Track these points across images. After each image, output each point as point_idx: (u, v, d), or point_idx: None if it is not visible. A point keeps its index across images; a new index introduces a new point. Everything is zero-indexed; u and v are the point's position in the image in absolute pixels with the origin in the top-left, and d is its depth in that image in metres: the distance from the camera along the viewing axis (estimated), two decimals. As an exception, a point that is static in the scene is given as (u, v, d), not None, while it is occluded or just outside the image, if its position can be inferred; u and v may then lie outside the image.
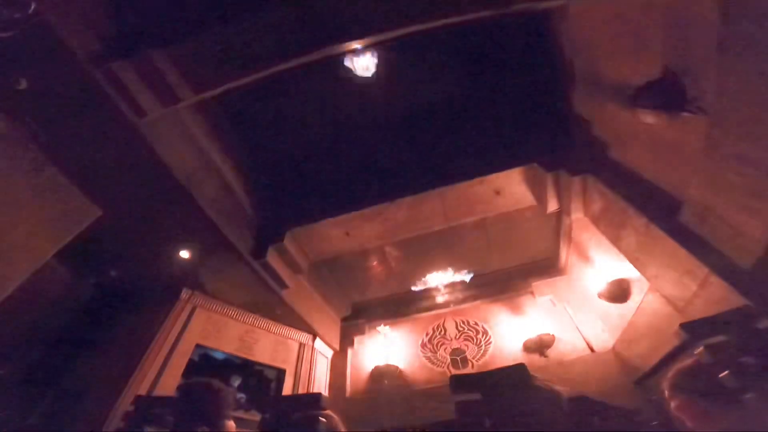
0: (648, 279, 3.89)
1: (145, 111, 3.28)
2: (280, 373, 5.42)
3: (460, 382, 1.25)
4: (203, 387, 1.53)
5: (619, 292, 4.64)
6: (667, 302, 3.71)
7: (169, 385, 4.24)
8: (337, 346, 6.44)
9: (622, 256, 4.16)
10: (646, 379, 4.33)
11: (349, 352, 6.49)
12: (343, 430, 1.35)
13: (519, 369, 1.26)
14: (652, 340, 4.12)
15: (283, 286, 5.08)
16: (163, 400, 1.49)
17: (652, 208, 3.47)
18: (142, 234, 4.37)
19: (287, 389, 5.28)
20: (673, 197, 3.27)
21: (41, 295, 4.41)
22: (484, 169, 4.51)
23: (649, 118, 2.90)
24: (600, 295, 4.87)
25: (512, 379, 1.20)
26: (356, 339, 6.59)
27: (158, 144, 3.54)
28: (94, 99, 3.12)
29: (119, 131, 3.35)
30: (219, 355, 5.09)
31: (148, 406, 1.41)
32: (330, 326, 6.43)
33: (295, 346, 5.77)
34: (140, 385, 4.01)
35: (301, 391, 5.33)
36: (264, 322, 5.54)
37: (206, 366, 4.92)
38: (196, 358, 4.79)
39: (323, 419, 1.26)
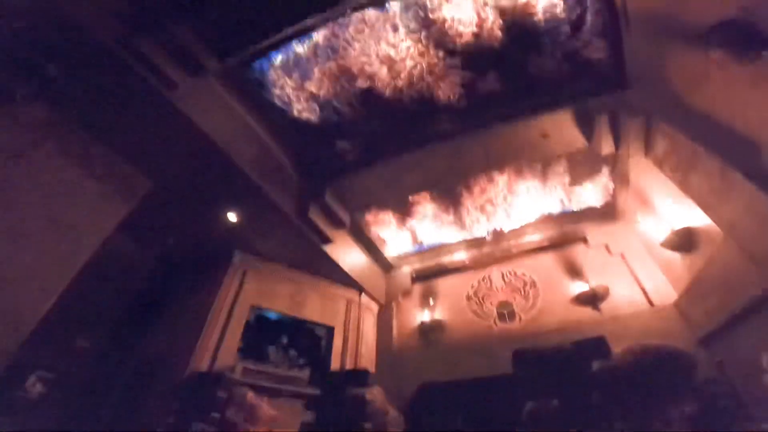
0: (722, 227, 3.54)
1: (175, 83, 3.28)
2: (329, 331, 5.66)
3: (523, 360, 1.11)
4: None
5: (685, 242, 4.22)
6: (742, 254, 3.37)
7: (231, 348, 4.55)
8: (383, 300, 6.61)
9: (690, 202, 3.78)
10: (712, 337, 3.95)
11: (394, 306, 6.63)
12: (387, 406, 1.35)
13: (598, 342, 1.09)
14: (722, 295, 3.74)
15: (326, 241, 5.18)
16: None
17: (728, 149, 3.07)
18: (192, 201, 4.57)
19: (337, 347, 5.53)
20: (751, 139, 2.86)
21: (111, 269, 4.79)
22: (530, 111, 4.14)
23: (722, 58, 2.59)
24: (663, 245, 4.46)
25: (590, 356, 1.04)
26: (401, 293, 6.68)
27: (194, 113, 3.55)
28: (126, 77, 3.14)
29: (154, 105, 3.38)
30: (272, 315, 5.37)
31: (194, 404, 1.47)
32: (375, 280, 6.57)
33: (343, 303, 5.99)
34: (204, 354, 4.30)
35: (350, 348, 5.59)
36: (312, 280, 5.77)
37: (262, 327, 5.19)
38: (251, 320, 5.06)
39: (370, 397, 1.26)
